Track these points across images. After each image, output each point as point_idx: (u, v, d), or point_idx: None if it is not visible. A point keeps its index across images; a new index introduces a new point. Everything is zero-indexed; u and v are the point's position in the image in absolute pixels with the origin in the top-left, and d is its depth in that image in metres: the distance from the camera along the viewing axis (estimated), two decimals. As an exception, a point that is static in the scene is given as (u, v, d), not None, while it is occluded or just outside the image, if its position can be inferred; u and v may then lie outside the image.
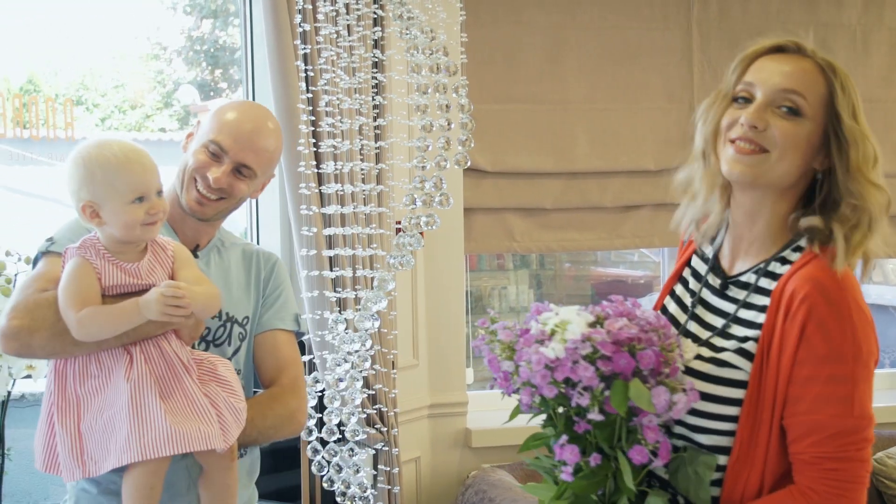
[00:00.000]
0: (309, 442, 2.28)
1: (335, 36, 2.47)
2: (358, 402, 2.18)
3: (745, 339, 1.67)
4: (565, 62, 3.77)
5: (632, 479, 1.51)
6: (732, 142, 1.69)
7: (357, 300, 2.28)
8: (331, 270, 2.48)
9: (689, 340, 1.73)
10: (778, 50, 1.72)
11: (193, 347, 1.95)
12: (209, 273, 2.08)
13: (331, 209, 2.39)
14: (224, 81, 5.29)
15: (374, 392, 2.96)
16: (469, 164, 2.12)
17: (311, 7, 2.80)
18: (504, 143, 3.70)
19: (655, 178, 3.79)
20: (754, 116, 1.66)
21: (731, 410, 1.64)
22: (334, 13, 2.47)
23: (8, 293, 2.76)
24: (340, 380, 2.14)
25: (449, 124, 2.07)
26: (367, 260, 2.32)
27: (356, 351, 2.14)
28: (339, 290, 2.47)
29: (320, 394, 2.26)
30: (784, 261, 1.69)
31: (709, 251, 1.85)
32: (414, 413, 3.51)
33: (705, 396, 1.62)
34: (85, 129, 5.10)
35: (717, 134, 1.74)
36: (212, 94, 5.24)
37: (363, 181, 2.94)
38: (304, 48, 2.73)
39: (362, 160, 2.86)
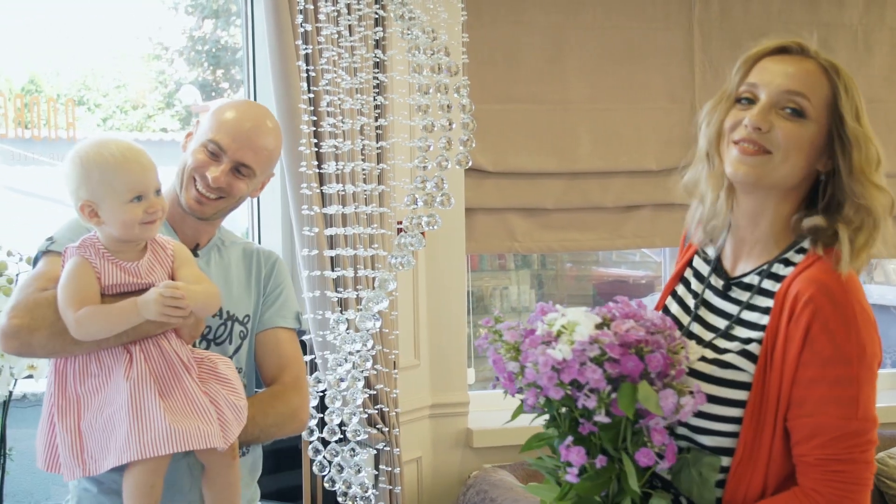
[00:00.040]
0: (310, 442, 2.28)
1: (337, 36, 2.47)
2: (359, 402, 2.18)
3: (748, 341, 1.67)
4: (566, 62, 3.76)
5: (636, 480, 1.51)
6: (736, 143, 1.69)
7: (358, 300, 2.28)
8: (332, 270, 2.48)
9: (692, 342, 1.73)
10: (781, 51, 1.72)
11: (194, 346, 1.95)
12: (209, 272, 2.08)
13: (332, 209, 2.39)
14: (226, 82, 5.29)
15: (375, 392, 2.96)
16: (470, 164, 2.12)
17: (312, 7, 2.80)
18: (505, 143, 3.69)
19: (657, 178, 3.79)
20: (758, 118, 1.66)
21: (734, 412, 1.64)
22: (336, 13, 2.47)
23: (9, 293, 2.76)
24: (342, 380, 2.14)
25: (450, 124, 2.07)
26: (368, 260, 2.32)
27: (357, 351, 2.14)
28: (341, 290, 2.47)
29: (322, 394, 2.26)
30: (787, 262, 1.69)
31: (711, 252, 1.84)
32: (415, 413, 3.51)
33: (708, 398, 1.61)
34: (86, 130, 5.09)
35: (721, 135, 1.74)
36: (213, 94, 5.24)
37: (364, 181, 2.94)
38: (306, 48, 2.73)
39: (364, 160, 2.86)
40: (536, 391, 1.53)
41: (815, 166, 1.69)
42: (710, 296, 1.80)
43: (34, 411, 2.02)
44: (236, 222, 3.55)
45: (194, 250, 2.08)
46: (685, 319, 1.81)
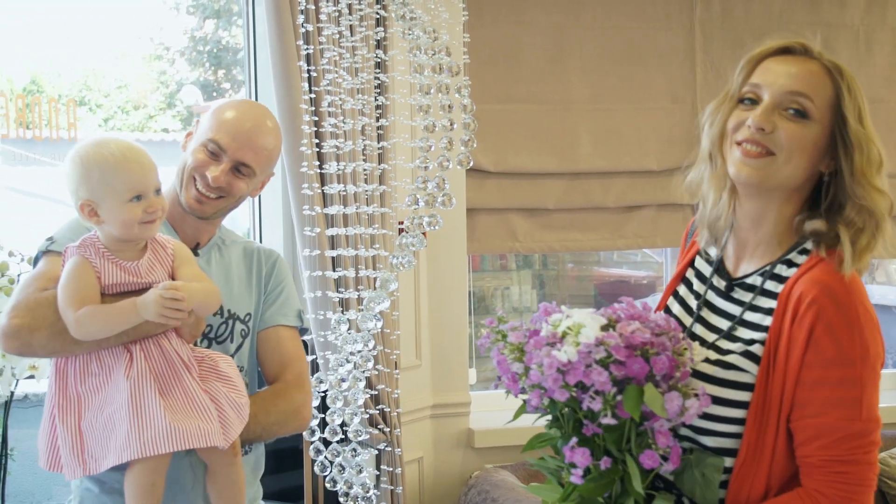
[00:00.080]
0: (312, 442, 2.28)
1: (338, 36, 2.47)
2: (361, 402, 2.18)
3: (751, 342, 1.66)
4: (568, 62, 3.77)
5: (640, 482, 1.51)
6: (739, 144, 1.69)
7: (360, 300, 2.28)
8: (333, 271, 2.48)
9: (696, 343, 1.73)
10: (784, 51, 1.72)
11: (195, 345, 1.96)
12: (210, 271, 2.08)
13: (333, 209, 2.39)
14: (227, 82, 5.29)
15: (376, 392, 2.96)
16: (471, 164, 2.12)
17: (313, 7, 2.81)
18: (506, 143, 3.70)
19: (658, 178, 3.79)
20: (761, 119, 1.65)
21: (737, 413, 1.64)
22: (337, 14, 2.47)
23: (10, 293, 2.76)
24: (343, 380, 2.14)
25: (451, 124, 2.06)
26: (369, 260, 2.32)
27: (359, 351, 2.14)
28: (342, 290, 2.47)
29: (323, 394, 2.26)
30: (790, 263, 1.69)
31: (713, 252, 1.84)
32: (417, 413, 3.51)
33: (711, 399, 1.61)
34: (88, 130, 5.09)
35: (724, 136, 1.73)
36: (215, 94, 5.24)
37: (366, 181, 2.94)
38: (307, 48, 2.73)
39: (365, 160, 2.86)
40: (541, 392, 1.53)
41: (818, 167, 1.68)
42: (712, 296, 1.80)
43: (35, 411, 2.02)
44: (237, 222, 3.55)
45: (195, 249, 2.08)
46: (687, 320, 1.81)
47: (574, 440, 1.53)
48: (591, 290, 5.14)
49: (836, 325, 1.57)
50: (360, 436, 2.20)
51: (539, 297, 4.74)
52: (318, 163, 2.84)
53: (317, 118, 2.63)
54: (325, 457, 2.25)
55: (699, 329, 1.78)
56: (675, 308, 1.86)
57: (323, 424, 2.25)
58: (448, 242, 3.52)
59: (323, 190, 2.75)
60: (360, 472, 2.22)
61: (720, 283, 1.79)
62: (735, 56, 1.78)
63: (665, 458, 1.52)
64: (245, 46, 3.42)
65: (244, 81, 3.47)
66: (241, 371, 2.07)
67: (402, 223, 2.18)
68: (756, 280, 1.72)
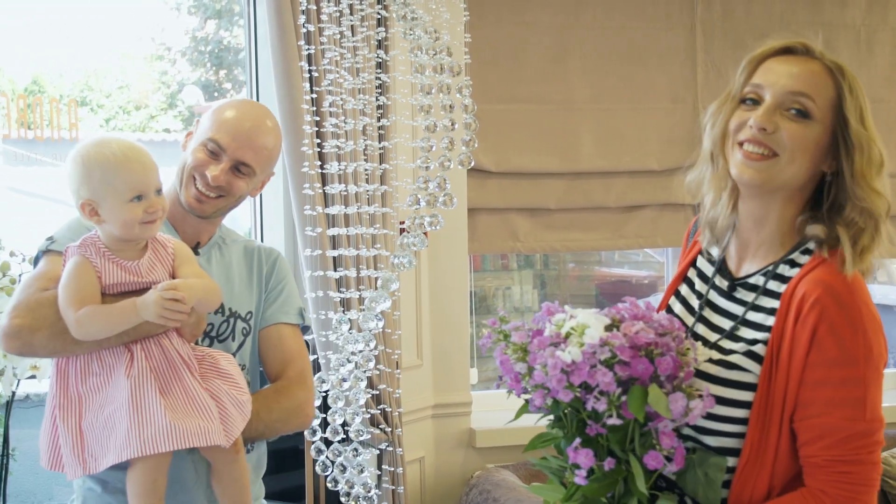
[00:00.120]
0: (313, 442, 2.28)
1: (339, 36, 2.46)
2: (362, 402, 2.18)
3: (753, 342, 1.66)
4: (569, 62, 3.77)
5: (644, 482, 1.51)
6: (741, 145, 1.68)
7: (361, 300, 2.28)
8: (335, 271, 2.48)
9: (699, 343, 1.73)
10: (786, 51, 1.72)
11: (197, 343, 1.96)
12: (210, 270, 2.09)
13: (334, 209, 2.38)
14: (228, 82, 5.29)
15: (378, 392, 2.96)
16: (473, 164, 2.12)
17: (314, 8, 2.81)
18: (508, 143, 3.70)
19: (659, 178, 3.79)
20: (763, 119, 1.65)
21: (739, 413, 1.64)
22: (338, 14, 2.47)
23: (11, 293, 2.77)
24: (344, 380, 2.13)
25: (453, 124, 2.06)
26: (370, 260, 2.31)
27: (360, 351, 2.14)
28: (343, 290, 2.47)
29: (324, 394, 2.26)
30: (793, 263, 1.69)
31: (715, 252, 1.84)
32: (418, 413, 3.51)
33: (715, 400, 1.62)
34: (89, 130, 5.10)
35: (726, 136, 1.73)
36: (216, 94, 5.24)
37: (367, 181, 2.95)
38: (308, 49, 2.73)
39: (366, 160, 2.86)
40: (544, 393, 1.53)
41: (821, 167, 1.68)
42: (714, 296, 1.80)
43: (37, 412, 2.02)
44: (239, 222, 3.55)
45: (195, 248, 2.08)
46: (689, 320, 1.81)
47: (577, 441, 1.53)
48: (592, 290, 5.14)
49: (840, 325, 1.57)
50: (361, 435, 2.20)
51: (540, 297, 4.74)
52: (319, 163, 2.84)
53: (318, 118, 2.63)
54: (327, 456, 2.24)
55: (701, 329, 1.78)
56: (677, 308, 1.86)
57: (324, 424, 2.25)
58: (449, 242, 3.52)
59: (324, 190, 2.74)
60: (362, 471, 2.22)
61: (722, 283, 1.79)
62: (736, 56, 1.77)
63: (669, 459, 1.52)
64: (246, 47, 3.42)
65: (245, 82, 3.48)
66: (242, 370, 2.07)
67: (403, 223, 2.18)
68: (759, 280, 1.72)
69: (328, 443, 2.24)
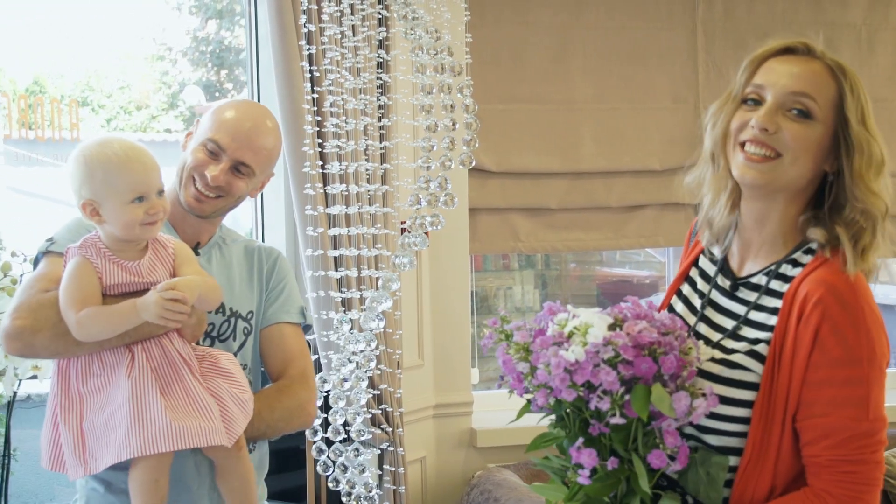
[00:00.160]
0: (314, 442, 2.28)
1: (340, 36, 2.47)
2: (363, 402, 2.18)
3: (756, 341, 1.66)
4: (570, 62, 3.76)
5: (647, 482, 1.51)
6: (742, 146, 1.68)
7: (362, 300, 2.28)
8: (336, 270, 2.48)
9: (701, 342, 1.73)
10: (787, 51, 1.71)
11: (198, 344, 1.96)
12: (211, 270, 2.09)
13: (336, 209, 2.39)
14: (230, 82, 5.29)
15: (379, 392, 2.96)
16: (474, 164, 2.12)
17: (315, 8, 2.80)
18: (509, 143, 3.69)
19: (660, 177, 3.79)
20: (765, 119, 1.65)
21: (741, 412, 1.64)
22: (339, 14, 2.47)
23: (13, 293, 2.77)
24: (346, 380, 2.13)
25: (454, 124, 2.06)
26: (372, 260, 2.32)
27: (361, 351, 2.14)
28: (344, 290, 2.47)
29: (326, 394, 2.26)
30: (795, 263, 1.68)
31: (717, 252, 1.84)
32: (419, 413, 3.51)
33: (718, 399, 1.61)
34: (90, 130, 5.10)
35: (727, 137, 1.73)
36: (217, 94, 5.24)
37: (368, 181, 2.94)
38: (309, 49, 2.73)
39: (367, 160, 2.86)
40: (547, 392, 1.53)
41: (823, 167, 1.68)
42: (716, 296, 1.79)
43: (38, 412, 2.02)
44: (240, 222, 3.55)
45: (195, 248, 2.09)
46: (691, 319, 1.81)
47: (581, 440, 1.53)
48: (593, 290, 5.14)
49: (842, 324, 1.57)
50: (362, 435, 2.20)
51: (542, 297, 4.74)
52: (320, 163, 2.84)
53: (319, 118, 2.63)
54: (328, 456, 2.25)
55: (703, 328, 1.78)
56: (679, 307, 1.86)
57: (325, 424, 2.25)
58: (450, 242, 3.52)
59: (325, 190, 2.74)
60: (363, 471, 2.22)
61: (724, 283, 1.79)
62: (737, 56, 1.77)
63: (672, 458, 1.52)
64: (247, 47, 3.42)
65: (246, 82, 3.48)
66: (244, 369, 2.07)
67: (404, 223, 2.18)
68: (761, 279, 1.72)
69: (329, 443, 2.24)
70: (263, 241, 3.42)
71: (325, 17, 2.33)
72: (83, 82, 5.35)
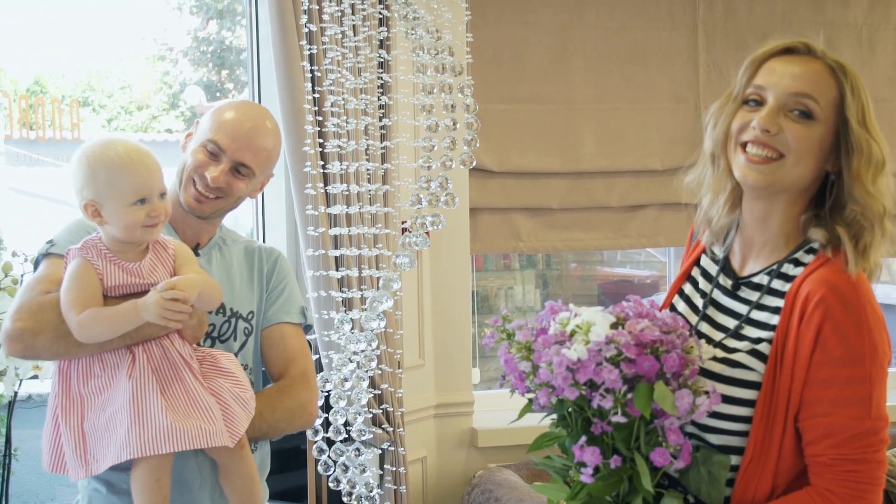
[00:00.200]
0: (315, 442, 2.28)
1: (341, 36, 2.47)
2: (364, 401, 2.18)
3: (758, 341, 1.66)
4: (571, 62, 3.76)
5: (650, 480, 1.51)
6: (744, 146, 1.68)
7: (363, 300, 2.28)
8: (336, 270, 2.48)
9: (702, 341, 1.73)
10: (788, 51, 1.71)
11: (199, 345, 1.96)
12: (211, 270, 2.09)
13: (336, 209, 2.39)
14: (230, 82, 5.29)
15: (380, 392, 2.96)
16: (474, 163, 2.12)
17: (316, 7, 2.81)
18: (510, 142, 3.69)
19: (661, 177, 3.79)
20: (766, 120, 1.65)
21: (743, 411, 1.64)
22: (340, 14, 2.47)
23: (14, 293, 2.77)
24: (346, 379, 2.13)
25: (454, 124, 2.06)
26: (372, 260, 2.32)
27: (362, 350, 2.14)
28: (345, 290, 2.47)
29: (326, 394, 2.26)
30: (797, 262, 1.68)
31: (719, 251, 1.84)
32: (420, 413, 3.51)
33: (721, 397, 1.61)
34: (91, 131, 5.10)
35: (728, 137, 1.73)
36: (218, 94, 5.24)
37: (369, 181, 2.94)
38: (310, 49, 2.73)
39: (368, 160, 2.86)
40: (549, 391, 1.53)
41: (825, 167, 1.68)
42: (718, 295, 1.79)
43: (39, 412, 2.02)
44: (240, 222, 3.55)
45: (195, 249, 2.09)
46: (693, 319, 1.81)
47: (583, 439, 1.53)
48: (594, 290, 5.14)
49: (844, 324, 1.57)
50: (363, 435, 2.20)
51: (543, 297, 4.74)
52: (321, 163, 2.84)
53: (320, 118, 2.63)
54: (329, 456, 2.25)
55: (705, 327, 1.78)
56: (681, 306, 1.86)
57: (326, 424, 2.25)
58: (451, 242, 3.52)
59: (326, 190, 2.74)
60: (364, 471, 2.22)
61: (726, 282, 1.79)
62: (738, 56, 1.77)
63: (675, 456, 1.52)
64: (248, 47, 3.42)
65: (247, 82, 3.48)
66: (245, 369, 2.07)
67: (405, 223, 2.18)
68: (763, 279, 1.72)
69: (330, 442, 2.24)
70: (264, 241, 3.42)
71: (325, 17, 2.33)
72: (84, 82, 5.35)
